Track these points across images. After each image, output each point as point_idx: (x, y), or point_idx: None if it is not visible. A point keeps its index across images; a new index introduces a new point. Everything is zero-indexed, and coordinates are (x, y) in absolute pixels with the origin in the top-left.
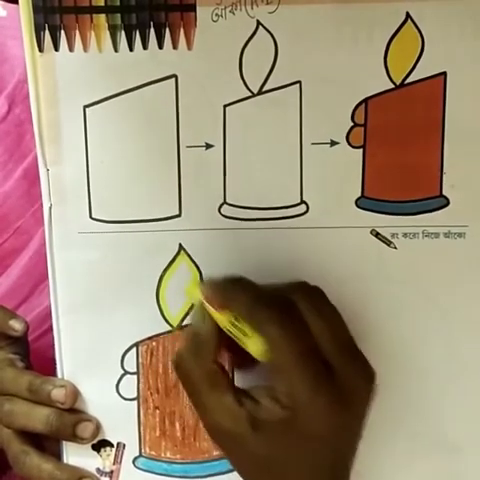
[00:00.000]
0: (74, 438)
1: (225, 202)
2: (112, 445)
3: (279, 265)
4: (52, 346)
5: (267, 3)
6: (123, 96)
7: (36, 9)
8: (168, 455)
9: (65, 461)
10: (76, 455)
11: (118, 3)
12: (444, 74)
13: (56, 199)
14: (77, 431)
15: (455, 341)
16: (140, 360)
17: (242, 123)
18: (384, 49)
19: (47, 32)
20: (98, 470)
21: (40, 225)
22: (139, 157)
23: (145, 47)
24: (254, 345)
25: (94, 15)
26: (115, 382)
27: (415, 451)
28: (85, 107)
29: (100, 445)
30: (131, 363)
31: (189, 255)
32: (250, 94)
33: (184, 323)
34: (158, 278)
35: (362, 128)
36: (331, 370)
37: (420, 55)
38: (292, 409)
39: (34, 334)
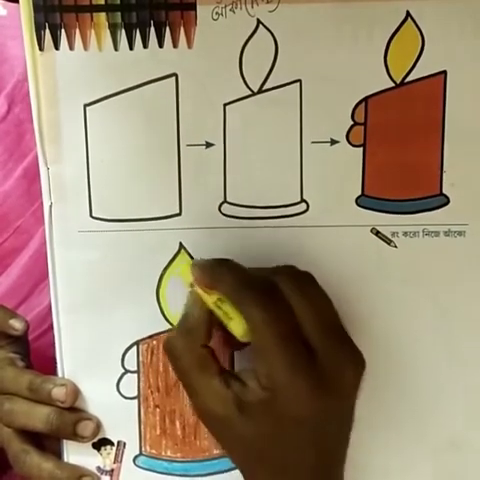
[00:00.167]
0: (74, 437)
1: (225, 201)
2: (112, 444)
3: (279, 263)
4: (52, 345)
5: (267, 2)
6: (123, 95)
7: (36, 8)
8: (168, 454)
9: (65, 460)
10: (76, 454)
11: (118, 2)
12: (444, 73)
13: (56, 198)
14: (77, 430)
15: (455, 339)
16: (140, 359)
17: (242, 122)
18: (384, 48)
19: (47, 31)
20: (98, 469)
21: (40, 224)
22: (139, 156)
23: (145, 46)
24: (237, 326)
25: (94, 14)
26: (115, 381)
27: (415, 449)
28: (85, 106)
29: (100, 444)
30: (131, 362)
31: (189, 254)
32: (250, 93)
33: None
34: (158, 277)
35: (362, 127)
36: (313, 353)
37: (420, 54)
38: (271, 390)
39: (34, 333)
